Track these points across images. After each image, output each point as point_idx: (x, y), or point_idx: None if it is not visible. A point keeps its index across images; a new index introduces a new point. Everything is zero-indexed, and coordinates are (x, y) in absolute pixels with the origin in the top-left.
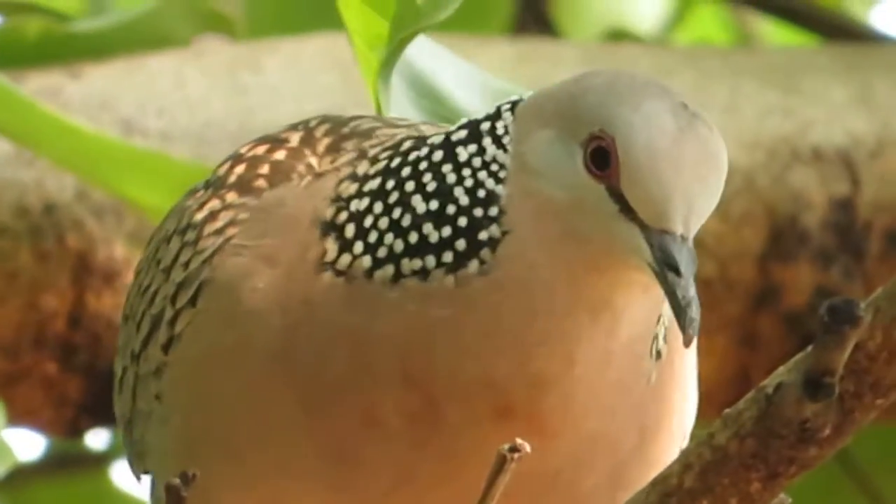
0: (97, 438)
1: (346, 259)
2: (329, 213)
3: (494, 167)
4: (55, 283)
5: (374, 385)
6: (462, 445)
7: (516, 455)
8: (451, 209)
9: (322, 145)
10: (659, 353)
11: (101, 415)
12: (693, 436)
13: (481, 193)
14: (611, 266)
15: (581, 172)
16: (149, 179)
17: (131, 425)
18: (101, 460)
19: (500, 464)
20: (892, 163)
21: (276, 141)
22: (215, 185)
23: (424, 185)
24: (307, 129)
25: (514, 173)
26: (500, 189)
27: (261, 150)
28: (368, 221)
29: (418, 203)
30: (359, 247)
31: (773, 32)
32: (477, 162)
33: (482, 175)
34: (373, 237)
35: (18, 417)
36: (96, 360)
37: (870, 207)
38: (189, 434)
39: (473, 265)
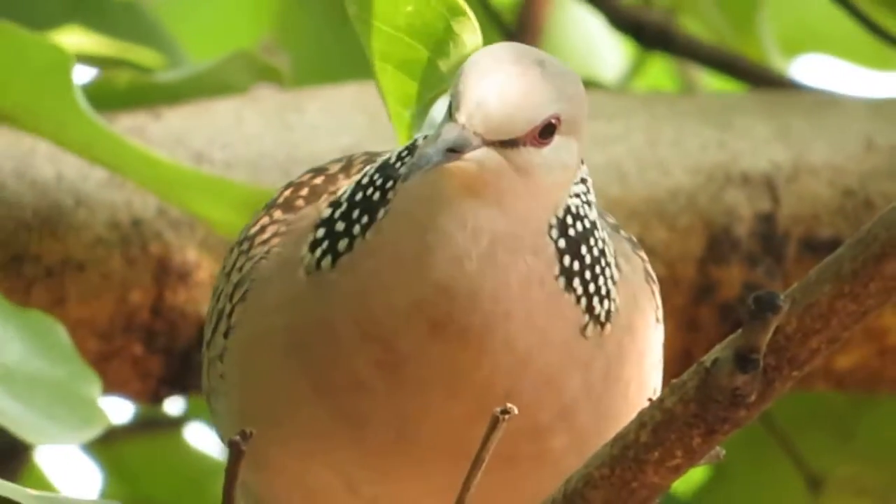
0: (174, 405)
1: (308, 257)
2: (319, 219)
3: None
4: (140, 282)
5: (347, 351)
6: (420, 373)
7: (507, 416)
8: (377, 178)
9: (355, 169)
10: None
11: (178, 386)
12: None
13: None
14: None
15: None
16: (214, 199)
17: (209, 399)
18: (177, 423)
19: (493, 424)
20: (806, 185)
21: (319, 170)
22: (268, 206)
23: (360, 178)
24: (349, 160)
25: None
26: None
27: (306, 177)
28: (330, 219)
29: (351, 191)
30: (317, 244)
31: (710, 81)
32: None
33: (398, 163)
34: (324, 233)
35: (111, 388)
36: (173, 343)
37: (788, 220)
38: (242, 406)
39: (381, 212)
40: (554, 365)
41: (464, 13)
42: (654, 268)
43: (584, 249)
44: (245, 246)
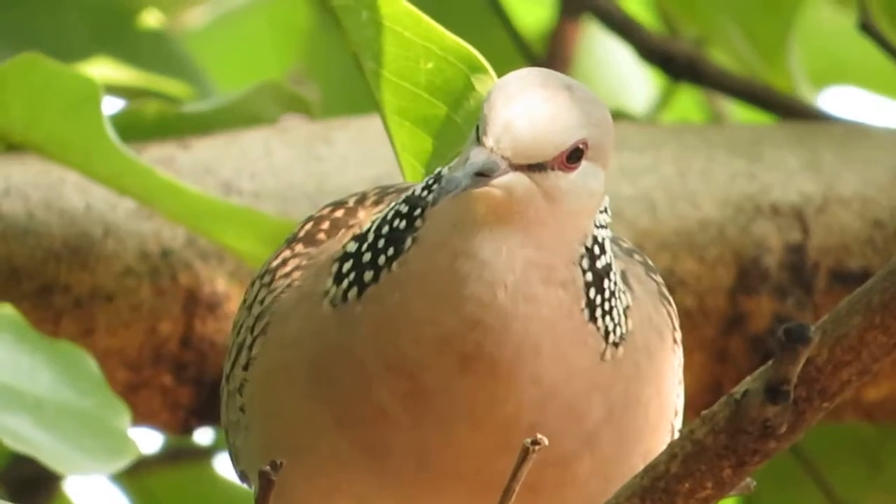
0: (204, 436)
1: (333, 290)
2: (340, 252)
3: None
4: (170, 313)
5: (371, 383)
6: (446, 406)
7: (536, 447)
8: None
9: (370, 202)
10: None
11: (207, 416)
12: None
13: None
14: (476, 194)
15: (474, 140)
16: (243, 230)
17: (228, 433)
18: (206, 454)
19: (523, 455)
20: (835, 216)
21: (339, 204)
22: (290, 240)
23: (397, 206)
24: (363, 194)
25: None
26: (431, 196)
27: (326, 211)
28: (354, 252)
29: (377, 223)
30: (342, 277)
31: (739, 112)
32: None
33: (424, 192)
34: (350, 265)
35: (141, 419)
36: (203, 374)
37: (817, 252)
38: (262, 438)
39: (409, 241)
40: (577, 394)
41: (484, 69)
42: (683, 299)
43: (606, 283)
44: (267, 279)
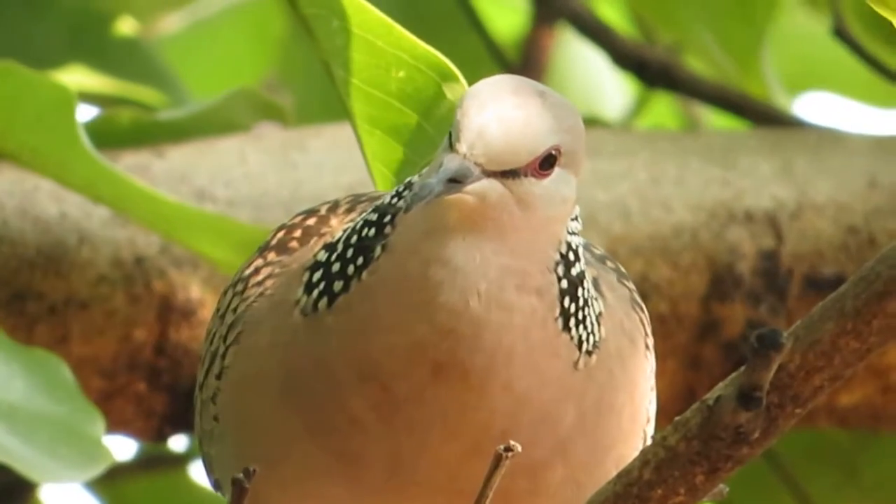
0: (178, 443)
1: (304, 299)
2: (311, 261)
3: (402, 193)
4: (144, 320)
5: (343, 392)
6: (418, 414)
7: (509, 454)
8: (373, 217)
9: (342, 209)
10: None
11: (182, 424)
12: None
13: (392, 201)
14: (449, 201)
15: (447, 147)
16: (217, 238)
17: (202, 442)
18: (181, 461)
19: (496, 462)
20: (809, 222)
21: (311, 212)
22: (262, 248)
23: (367, 216)
24: (335, 202)
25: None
26: (401, 203)
27: (298, 219)
28: (324, 262)
29: (347, 233)
30: (313, 286)
31: (713, 119)
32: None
33: (394, 200)
34: (319, 275)
35: (115, 426)
36: (177, 381)
37: (791, 258)
38: (238, 448)
39: (378, 250)
40: (550, 402)
41: (455, 78)
42: (657, 305)
43: (580, 291)
44: (239, 287)
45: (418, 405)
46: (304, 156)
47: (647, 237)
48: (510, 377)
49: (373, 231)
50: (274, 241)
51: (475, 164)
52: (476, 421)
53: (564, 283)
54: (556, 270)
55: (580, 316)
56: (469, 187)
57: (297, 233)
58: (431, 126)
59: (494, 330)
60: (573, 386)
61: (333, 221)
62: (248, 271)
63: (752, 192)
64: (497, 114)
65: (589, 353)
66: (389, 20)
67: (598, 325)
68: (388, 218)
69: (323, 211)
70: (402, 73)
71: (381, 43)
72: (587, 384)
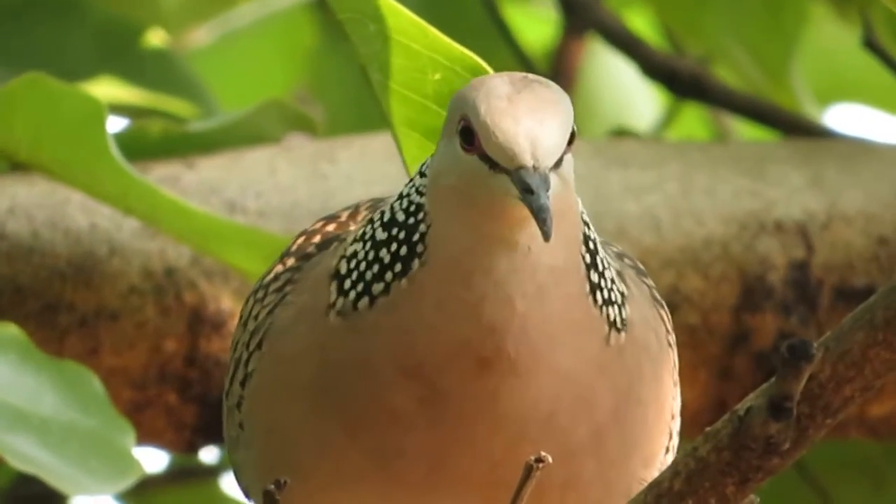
0: (209, 454)
1: (340, 301)
2: (337, 264)
3: (421, 188)
4: (174, 331)
5: (384, 390)
6: (464, 407)
7: (540, 465)
8: (394, 230)
9: (361, 214)
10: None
11: (212, 435)
12: (680, 449)
13: (412, 208)
14: (500, 212)
15: (459, 153)
16: (248, 249)
17: (230, 450)
18: (212, 472)
19: (528, 472)
20: (839, 233)
21: (331, 218)
22: (283, 255)
23: (382, 219)
24: (355, 206)
25: (429, 182)
26: (423, 200)
27: (318, 225)
28: (353, 265)
29: (378, 233)
30: (347, 288)
31: (743, 130)
32: (411, 190)
33: (413, 196)
34: (354, 277)
35: (145, 438)
36: (208, 392)
37: (821, 269)
38: (266, 455)
39: (415, 263)
40: (588, 379)
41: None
42: (687, 316)
43: (598, 260)
44: (260, 294)
45: (464, 397)
46: (334, 167)
47: (677, 248)
48: (554, 359)
49: (413, 235)
50: (294, 248)
51: (540, 170)
52: (524, 407)
53: (588, 257)
54: (583, 244)
55: (606, 293)
56: (550, 192)
57: (316, 238)
58: None
59: (538, 320)
60: (607, 363)
61: (353, 227)
62: (268, 278)
63: (783, 202)
64: (535, 118)
65: (618, 329)
66: (424, 23)
67: (623, 303)
68: (420, 213)
69: (343, 217)
70: (437, 76)
71: (417, 46)
72: (619, 363)
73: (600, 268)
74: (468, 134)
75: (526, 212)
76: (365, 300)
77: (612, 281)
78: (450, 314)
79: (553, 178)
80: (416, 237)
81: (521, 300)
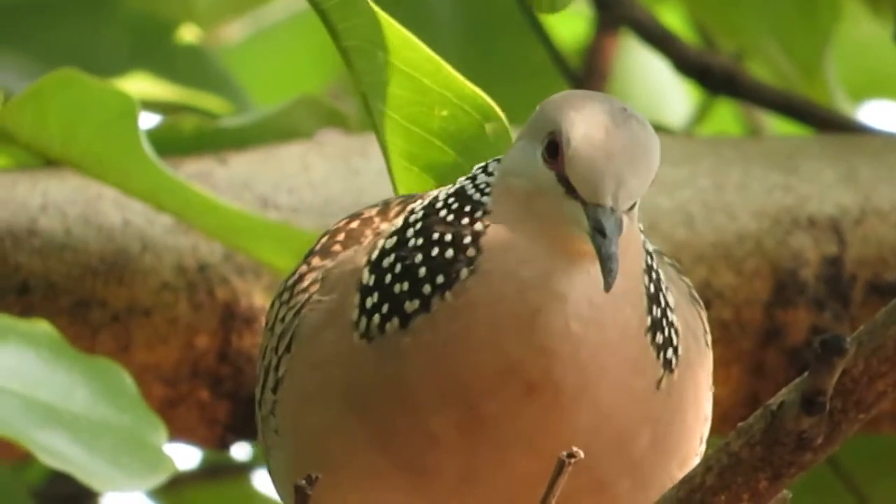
0: (241, 451)
1: (363, 322)
2: (364, 274)
3: (482, 185)
4: (207, 327)
5: (422, 412)
6: (503, 432)
7: (572, 461)
8: (438, 233)
9: (393, 212)
10: (669, 363)
11: (244, 432)
12: (712, 444)
13: (467, 207)
14: (563, 237)
15: (539, 164)
16: (280, 245)
17: (267, 460)
18: (244, 469)
19: (560, 468)
20: (872, 228)
21: (355, 215)
22: (307, 254)
23: (423, 220)
24: (385, 204)
25: (497, 179)
26: (485, 199)
27: (343, 223)
28: (379, 276)
29: (414, 239)
30: (370, 307)
31: (776, 125)
32: (468, 186)
33: (472, 193)
34: (378, 296)
35: (177, 434)
36: (240, 389)
37: (854, 264)
38: (297, 455)
39: (464, 272)
40: (630, 421)
41: (498, 117)
42: (720, 312)
43: (661, 297)
44: (285, 297)
45: (504, 423)
46: (367, 162)
47: (710, 244)
48: (599, 394)
49: (448, 253)
50: (318, 247)
51: (617, 213)
52: (559, 438)
53: (652, 288)
54: (644, 278)
55: (664, 325)
56: (622, 235)
57: (341, 236)
58: (469, 165)
59: (591, 348)
60: (653, 407)
61: (380, 225)
62: (292, 280)
63: (816, 198)
64: (626, 160)
65: (671, 370)
66: (438, 58)
67: (678, 335)
68: (479, 211)
69: (369, 213)
70: (445, 112)
71: (427, 81)
72: (665, 405)
73: (662, 303)
74: (554, 149)
75: (590, 247)
76: (394, 322)
77: (672, 312)
78: (503, 329)
79: (625, 220)
80: (467, 239)
81: (576, 322)
